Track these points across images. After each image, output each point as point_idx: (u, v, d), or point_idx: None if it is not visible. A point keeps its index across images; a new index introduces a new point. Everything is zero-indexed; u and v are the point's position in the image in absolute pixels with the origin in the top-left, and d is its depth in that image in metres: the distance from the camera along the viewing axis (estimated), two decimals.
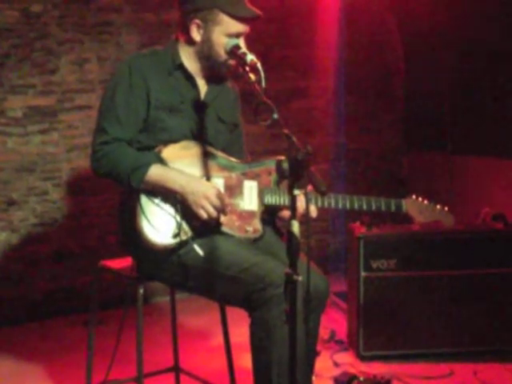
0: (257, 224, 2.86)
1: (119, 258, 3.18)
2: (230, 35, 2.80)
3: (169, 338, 3.51)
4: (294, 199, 2.21)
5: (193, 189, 2.70)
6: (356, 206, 2.93)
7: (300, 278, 2.23)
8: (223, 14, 2.79)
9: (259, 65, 2.58)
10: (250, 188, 2.88)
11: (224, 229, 2.79)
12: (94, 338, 3.24)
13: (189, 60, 2.89)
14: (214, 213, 2.72)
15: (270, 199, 2.87)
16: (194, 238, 2.74)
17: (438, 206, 3.03)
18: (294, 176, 2.18)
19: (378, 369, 3.73)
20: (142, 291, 2.91)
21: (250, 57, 2.62)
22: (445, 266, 3.88)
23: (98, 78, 4.75)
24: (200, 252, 2.70)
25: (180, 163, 2.78)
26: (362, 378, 3.56)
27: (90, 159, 2.83)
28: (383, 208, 2.97)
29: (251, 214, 2.86)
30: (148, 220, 2.71)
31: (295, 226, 2.21)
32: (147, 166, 2.71)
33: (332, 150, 5.60)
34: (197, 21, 2.81)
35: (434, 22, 5.45)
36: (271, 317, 2.60)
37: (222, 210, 2.73)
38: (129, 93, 2.80)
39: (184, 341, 3.69)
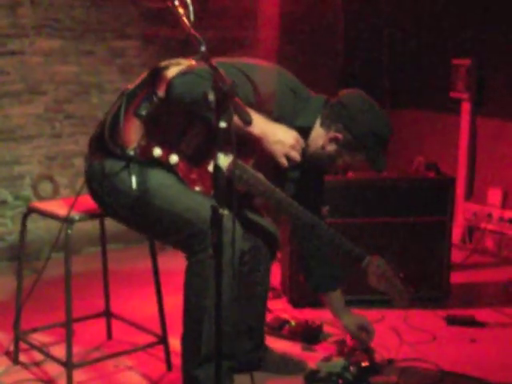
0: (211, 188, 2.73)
1: None
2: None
3: (101, 287, 3.49)
4: (220, 132, 2.19)
5: (277, 138, 2.65)
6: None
7: (226, 212, 2.21)
8: (363, 157, 2.87)
9: None
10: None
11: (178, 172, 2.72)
12: (22, 286, 3.20)
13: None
14: (298, 158, 2.71)
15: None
16: (141, 164, 2.67)
17: (399, 285, 2.97)
18: (219, 108, 2.16)
19: (310, 315, 3.76)
20: (70, 231, 2.88)
21: None
22: (377, 214, 3.92)
23: (31, 23, 4.62)
24: (134, 185, 2.66)
25: None
26: (293, 323, 3.59)
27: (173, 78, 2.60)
28: (342, 248, 2.97)
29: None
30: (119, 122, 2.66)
31: (221, 159, 2.18)
32: None
33: None
34: (340, 136, 2.82)
35: None
36: (210, 264, 2.49)
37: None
38: None
39: (116, 289, 3.67)
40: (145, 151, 2.66)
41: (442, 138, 5.29)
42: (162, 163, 2.68)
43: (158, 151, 2.66)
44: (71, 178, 4.85)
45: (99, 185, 2.77)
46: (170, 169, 2.69)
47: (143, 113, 2.67)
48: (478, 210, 5.03)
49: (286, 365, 3.20)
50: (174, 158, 2.68)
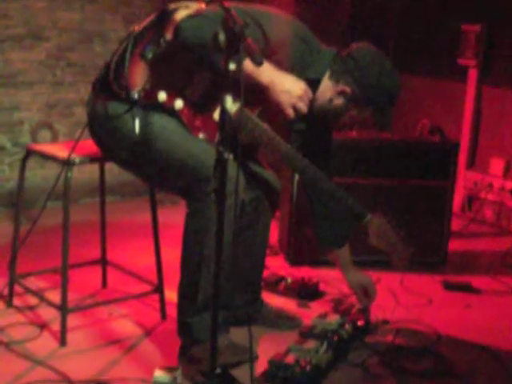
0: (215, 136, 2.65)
1: None
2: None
3: (98, 237, 3.46)
4: (229, 74, 2.14)
5: (285, 87, 2.59)
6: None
7: (231, 156, 2.17)
8: (370, 112, 2.81)
9: None
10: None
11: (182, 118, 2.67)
12: (19, 231, 3.17)
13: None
14: (305, 109, 2.66)
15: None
16: (145, 107, 2.62)
17: (400, 244, 2.96)
18: (230, 48, 2.11)
19: (306, 273, 3.74)
20: (70, 174, 2.84)
21: None
22: (380, 175, 3.89)
23: None
24: (137, 128, 2.61)
25: None
26: (289, 280, 3.57)
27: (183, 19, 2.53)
28: (345, 205, 2.94)
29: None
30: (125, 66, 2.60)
31: (229, 102, 2.14)
32: None
33: None
34: (348, 90, 2.75)
35: None
36: (211, 211, 2.51)
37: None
38: None
39: (113, 240, 3.64)
40: (149, 95, 2.61)
41: (448, 106, 5.24)
42: (166, 108, 2.63)
43: (162, 95, 2.61)
44: (71, 126, 4.81)
45: (101, 127, 2.72)
46: (174, 114, 2.65)
47: (149, 56, 2.61)
48: (479, 179, 4.99)
49: (282, 320, 3.18)
50: (178, 103, 2.63)
